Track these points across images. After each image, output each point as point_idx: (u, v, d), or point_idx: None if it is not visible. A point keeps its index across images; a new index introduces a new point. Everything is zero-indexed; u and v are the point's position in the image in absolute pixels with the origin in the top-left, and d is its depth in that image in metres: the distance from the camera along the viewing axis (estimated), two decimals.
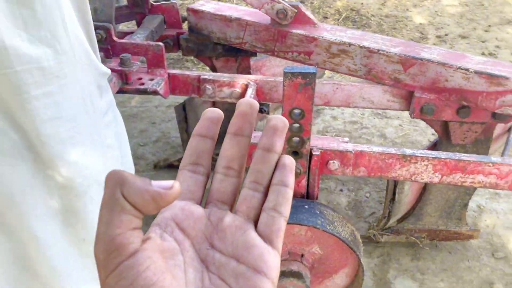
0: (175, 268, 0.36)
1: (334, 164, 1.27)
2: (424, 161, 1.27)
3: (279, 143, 0.41)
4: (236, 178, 0.43)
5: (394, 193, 1.73)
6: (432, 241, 1.91)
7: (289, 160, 0.42)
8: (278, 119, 0.41)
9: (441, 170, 1.27)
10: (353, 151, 1.27)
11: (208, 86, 1.62)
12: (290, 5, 1.65)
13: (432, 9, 3.95)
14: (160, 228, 0.38)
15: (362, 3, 3.95)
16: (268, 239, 0.39)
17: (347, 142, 1.29)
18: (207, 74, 1.66)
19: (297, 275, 1.21)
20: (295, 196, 1.29)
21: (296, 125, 1.19)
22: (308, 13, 1.69)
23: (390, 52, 1.52)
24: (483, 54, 3.30)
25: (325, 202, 2.14)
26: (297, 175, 1.26)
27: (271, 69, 2.26)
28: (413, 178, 1.30)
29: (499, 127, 1.86)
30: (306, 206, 1.22)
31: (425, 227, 1.87)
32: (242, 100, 0.43)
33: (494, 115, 1.52)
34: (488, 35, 3.57)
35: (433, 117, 1.54)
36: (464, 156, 1.27)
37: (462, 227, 1.86)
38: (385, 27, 3.55)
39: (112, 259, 0.33)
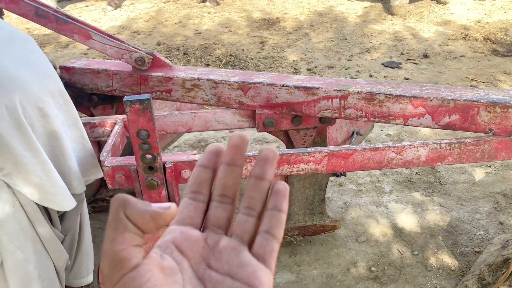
0: (174, 284, 0.39)
1: (186, 173, 1.53)
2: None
3: (270, 172, 0.44)
4: (231, 205, 0.45)
5: None
6: (305, 237, 2.21)
7: (283, 186, 0.44)
8: (269, 150, 0.44)
9: None
10: None
11: None
12: (146, 53, 1.95)
13: (304, 47, 4.51)
14: (161, 250, 0.41)
15: (243, 49, 4.41)
16: (261, 259, 0.42)
17: (195, 154, 1.57)
18: (82, 118, 1.88)
19: None
20: None
21: (145, 144, 1.44)
22: (163, 58, 2.00)
23: (230, 81, 1.85)
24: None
25: None
26: (155, 186, 1.50)
27: None
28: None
29: (343, 133, 2.26)
30: None
31: (296, 225, 2.17)
32: (234, 133, 0.46)
33: (320, 120, 1.88)
34: (350, 63, 4.15)
35: (274, 129, 1.88)
36: (286, 150, 1.59)
37: (326, 220, 2.18)
38: (262, 67, 4.01)
39: (116, 272, 0.36)
